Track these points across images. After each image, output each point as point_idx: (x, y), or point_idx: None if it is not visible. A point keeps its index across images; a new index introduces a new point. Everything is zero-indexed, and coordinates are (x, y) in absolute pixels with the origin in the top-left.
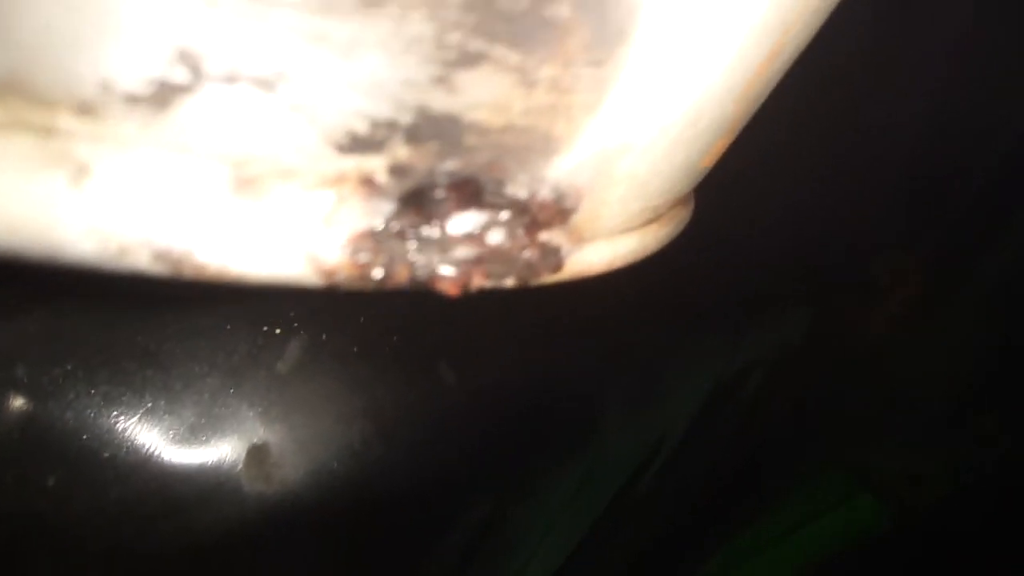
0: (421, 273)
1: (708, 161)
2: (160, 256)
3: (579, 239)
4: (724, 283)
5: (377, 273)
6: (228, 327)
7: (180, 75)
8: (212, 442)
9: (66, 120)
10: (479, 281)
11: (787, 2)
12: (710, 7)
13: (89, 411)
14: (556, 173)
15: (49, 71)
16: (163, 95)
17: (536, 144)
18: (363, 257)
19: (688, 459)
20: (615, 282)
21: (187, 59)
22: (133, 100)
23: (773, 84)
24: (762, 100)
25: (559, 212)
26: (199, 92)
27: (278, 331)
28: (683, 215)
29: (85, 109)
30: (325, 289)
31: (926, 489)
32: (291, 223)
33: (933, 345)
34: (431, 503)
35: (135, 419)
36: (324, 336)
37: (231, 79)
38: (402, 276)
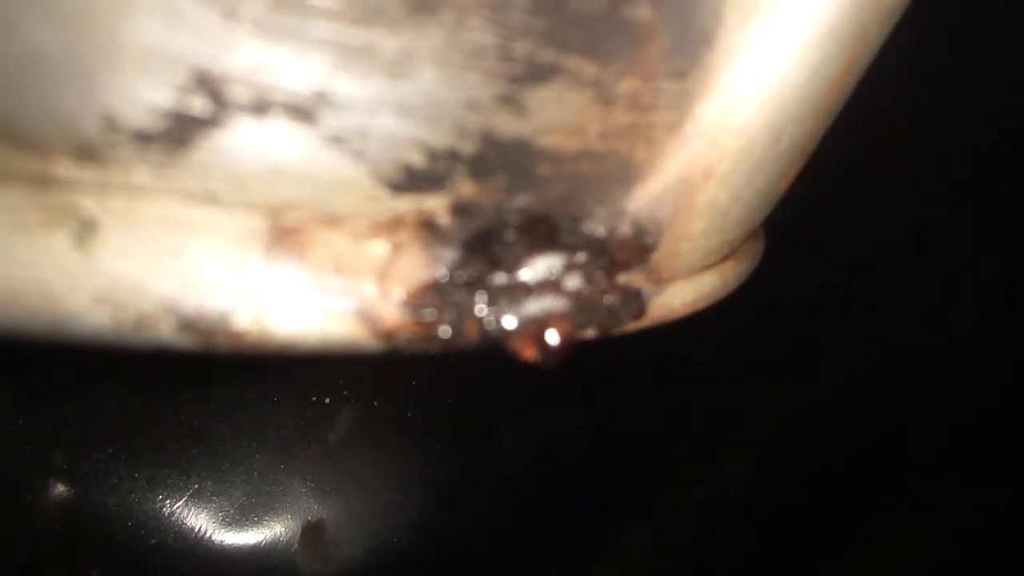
0: (493, 329)
1: (784, 186)
2: (188, 326)
3: (658, 280)
4: (783, 322)
5: (444, 332)
6: (275, 399)
7: (199, 105)
8: (264, 522)
9: (65, 167)
10: (558, 335)
11: (864, 4)
12: (793, 7)
13: (133, 496)
14: (636, 205)
15: (39, 106)
16: (180, 131)
17: (615, 172)
18: (427, 314)
19: (761, 503)
20: (676, 326)
21: (206, 85)
22: (144, 139)
23: (844, 100)
24: (833, 119)
25: (639, 250)
26: (223, 126)
27: (327, 400)
28: (757, 249)
29: (86, 152)
30: (384, 354)
31: (996, 518)
32: (341, 279)
33: (995, 372)
34: (501, 571)
35: (182, 502)
36: (376, 403)
37: (260, 108)
38: (472, 334)
